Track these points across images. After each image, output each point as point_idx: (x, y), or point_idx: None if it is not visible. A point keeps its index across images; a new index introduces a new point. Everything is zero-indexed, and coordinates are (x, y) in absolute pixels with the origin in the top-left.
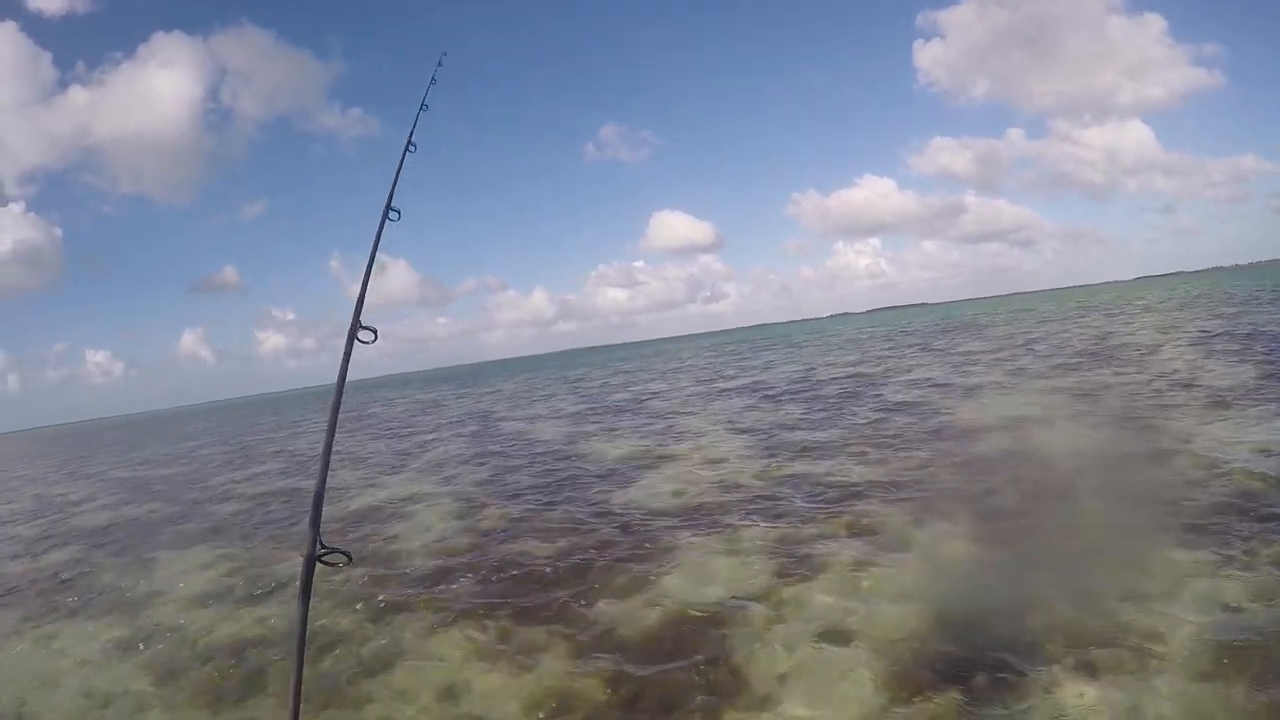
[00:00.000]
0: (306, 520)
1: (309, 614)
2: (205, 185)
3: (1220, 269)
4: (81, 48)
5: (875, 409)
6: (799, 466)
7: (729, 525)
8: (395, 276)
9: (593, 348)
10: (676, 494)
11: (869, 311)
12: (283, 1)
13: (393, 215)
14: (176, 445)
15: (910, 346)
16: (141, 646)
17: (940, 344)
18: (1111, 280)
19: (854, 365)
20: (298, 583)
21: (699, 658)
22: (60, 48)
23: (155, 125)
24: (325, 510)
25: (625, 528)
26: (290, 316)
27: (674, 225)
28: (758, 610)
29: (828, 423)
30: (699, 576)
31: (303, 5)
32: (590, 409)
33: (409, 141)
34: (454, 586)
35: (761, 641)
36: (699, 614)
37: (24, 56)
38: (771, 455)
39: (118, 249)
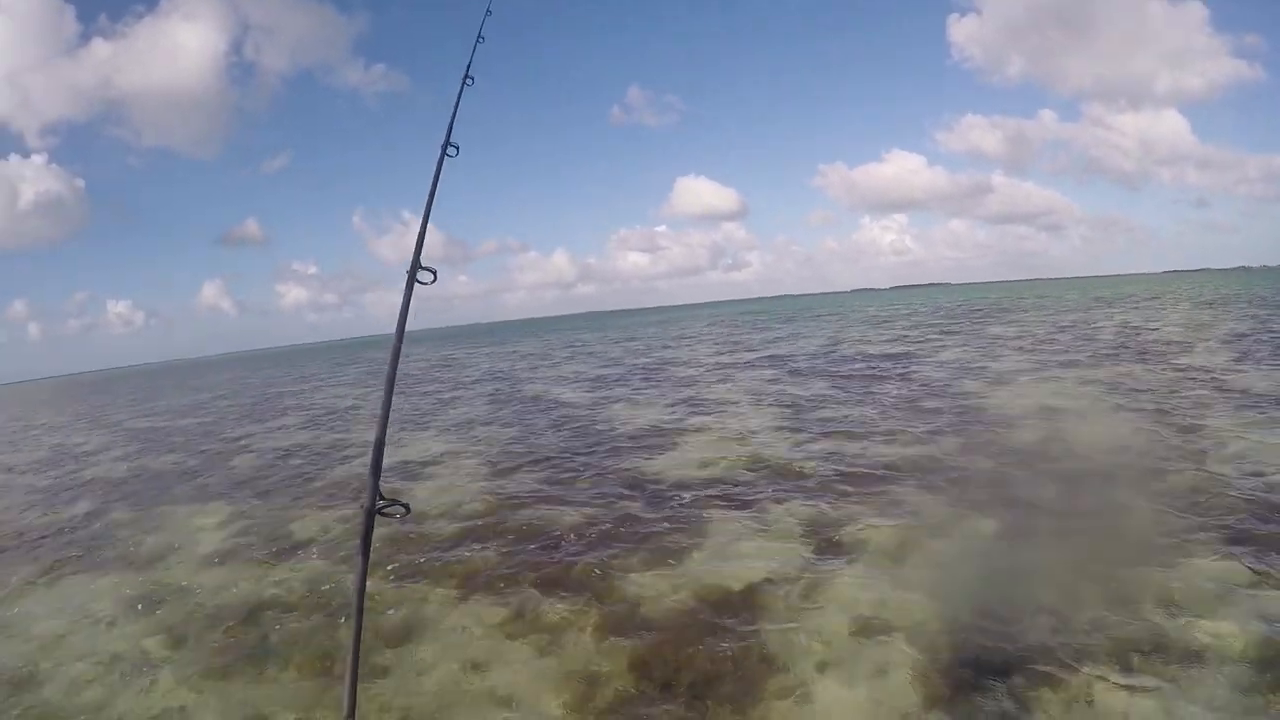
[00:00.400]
0: (365, 471)
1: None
2: (229, 139)
3: (1248, 269)
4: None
5: (905, 389)
6: (829, 444)
7: (759, 502)
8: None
9: (613, 311)
10: (704, 466)
11: (892, 288)
12: None
13: (451, 151)
14: (195, 396)
15: (936, 328)
16: (154, 606)
17: (966, 326)
18: (1138, 272)
19: (882, 343)
20: (357, 539)
21: (731, 642)
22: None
23: (179, 78)
24: (347, 467)
25: (654, 500)
26: (312, 270)
27: (698, 191)
28: (791, 593)
29: (857, 401)
30: (730, 555)
31: None
32: (614, 374)
33: (466, 74)
34: (477, 553)
35: (796, 628)
36: (730, 595)
37: (46, 9)
38: (801, 431)
39: (141, 201)
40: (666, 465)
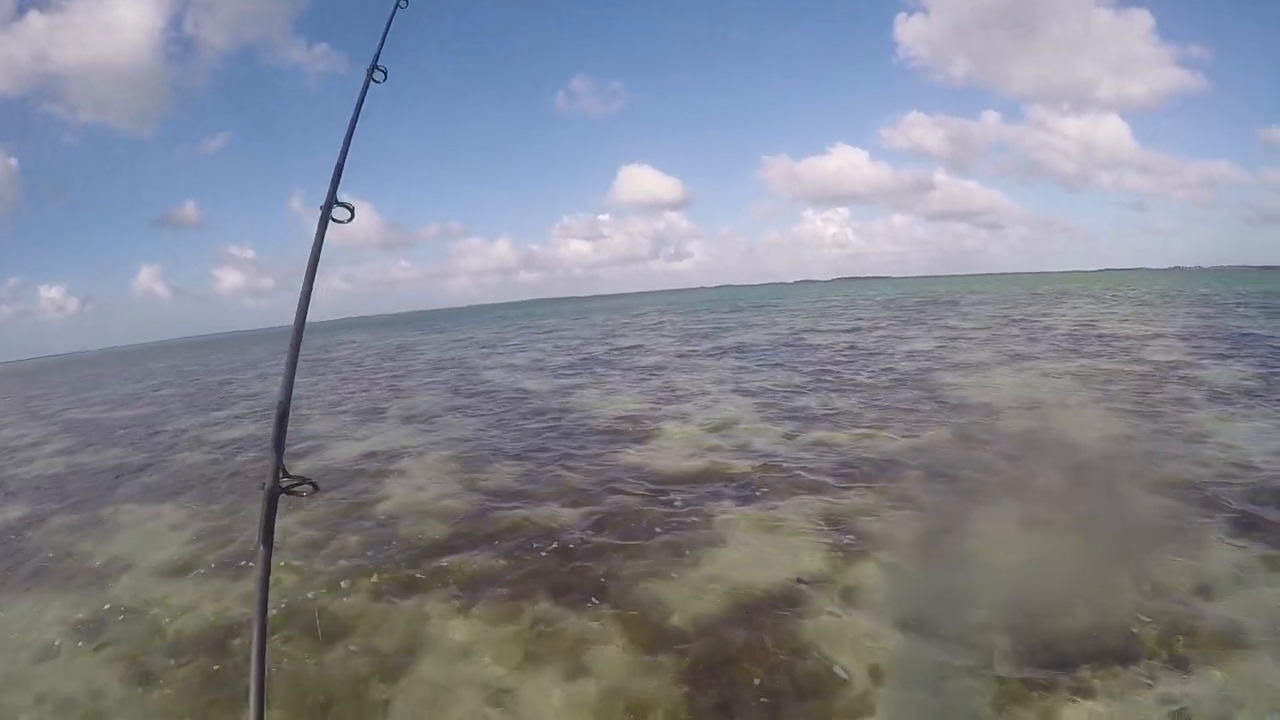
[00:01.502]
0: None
1: (272, 558)
2: (167, 117)
3: (1182, 269)
4: None
5: (879, 380)
6: (818, 434)
7: (763, 497)
8: (359, 218)
9: (556, 299)
10: (692, 457)
11: (833, 280)
12: None
13: (378, 76)
14: (135, 385)
15: (891, 319)
16: (107, 634)
17: (921, 317)
18: (1075, 270)
19: (841, 334)
20: (258, 523)
21: (782, 653)
22: None
23: (116, 53)
24: (305, 462)
25: (650, 495)
26: (249, 255)
27: (642, 180)
28: (827, 595)
29: (834, 391)
30: (746, 554)
31: None
32: (572, 361)
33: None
34: (470, 559)
35: (842, 632)
36: (762, 598)
37: None
38: (784, 421)
39: (76, 180)
40: (652, 457)
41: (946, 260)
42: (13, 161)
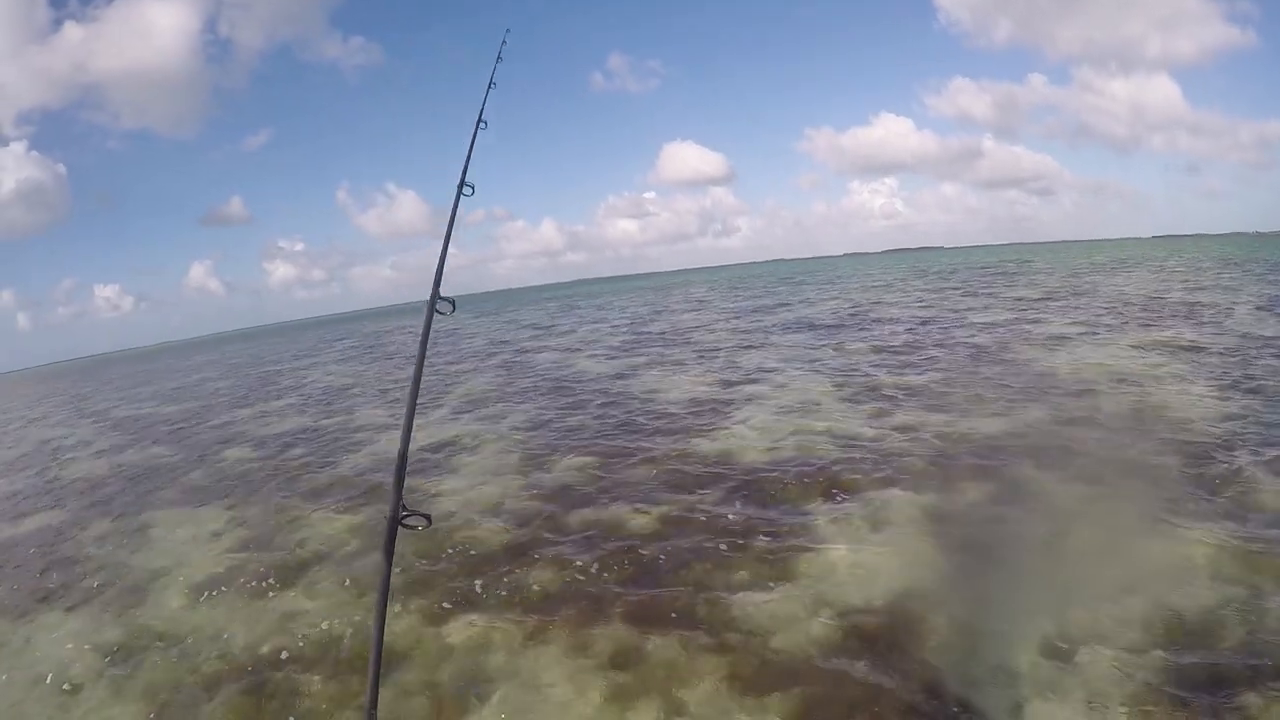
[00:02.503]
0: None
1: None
2: (209, 117)
3: (1242, 234)
4: None
5: (957, 355)
6: (907, 417)
7: (860, 491)
8: (405, 206)
9: (603, 279)
10: (774, 446)
11: (884, 252)
12: None
13: (467, 191)
14: (185, 379)
15: (954, 290)
16: (135, 664)
17: (984, 288)
18: (1130, 236)
19: (904, 307)
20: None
21: (916, 692)
22: None
23: (154, 59)
24: (356, 456)
25: (733, 492)
26: (299, 247)
27: (685, 157)
28: (957, 612)
29: (912, 366)
30: (853, 563)
31: None
32: (630, 340)
33: (480, 118)
34: (537, 573)
35: (986, 661)
36: (884, 619)
37: None
38: (865, 402)
39: (124, 184)
40: (730, 446)
41: (999, 229)
42: (61, 169)
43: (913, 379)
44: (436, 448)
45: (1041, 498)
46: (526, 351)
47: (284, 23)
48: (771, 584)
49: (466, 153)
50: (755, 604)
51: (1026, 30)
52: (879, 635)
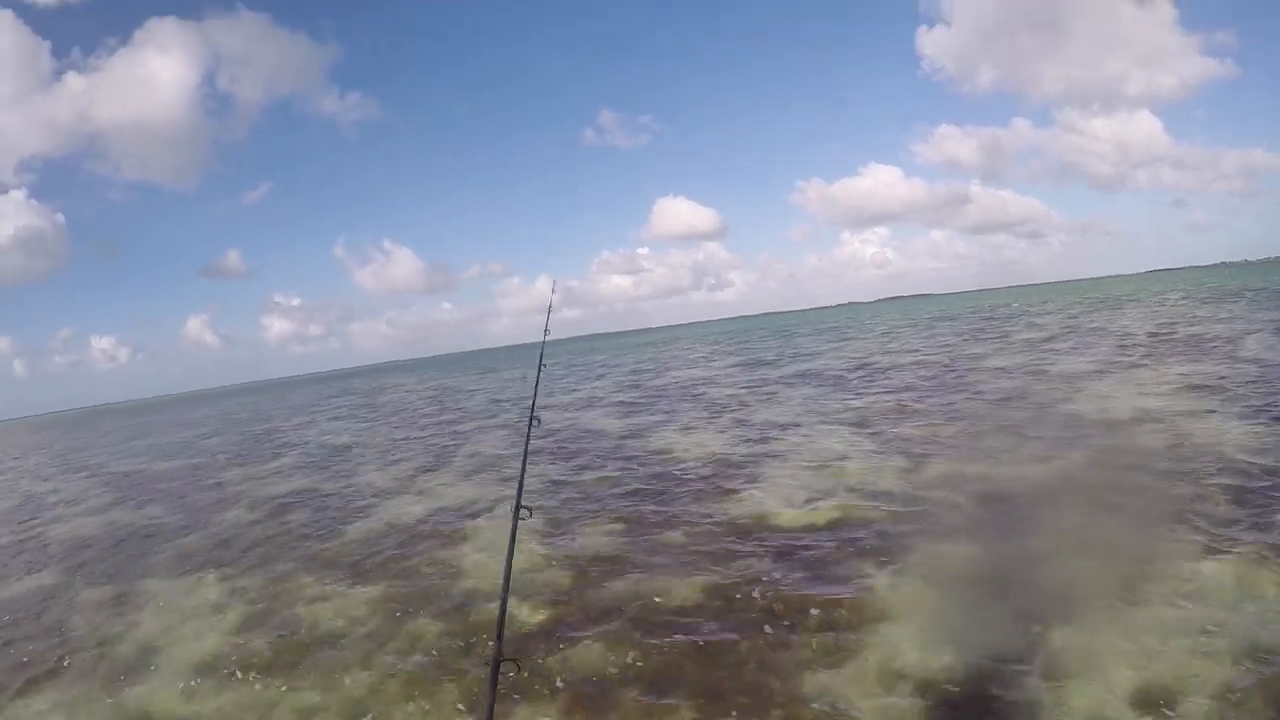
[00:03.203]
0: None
1: None
2: (208, 170)
3: (1229, 264)
4: (76, 34)
5: (978, 402)
6: (941, 466)
7: (911, 550)
8: (400, 263)
9: (599, 335)
10: (810, 504)
11: (876, 301)
12: None
13: (524, 514)
14: (181, 433)
15: (958, 336)
16: None
17: (988, 332)
18: (1120, 273)
19: (909, 354)
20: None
21: None
22: (56, 35)
23: (155, 111)
24: (361, 523)
25: (778, 559)
26: (295, 302)
27: (677, 212)
28: (1035, 673)
29: (935, 415)
30: (924, 630)
31: None
32: (636, 397)
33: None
34: (574, 656)
35: None
36: (962, 692)
37: (21, 43)
38: (897, 453)
39: (123, 234)
40: (763, 506)
41: (989, 273)
42: (60, 218)
43: (939, 428)
44: (446, 513)
45: (1104, 543)
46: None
47: (283, 78)
48: (837, 658)
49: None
50: (826, 683)
51: (1009, 74)
52: (962, 703)
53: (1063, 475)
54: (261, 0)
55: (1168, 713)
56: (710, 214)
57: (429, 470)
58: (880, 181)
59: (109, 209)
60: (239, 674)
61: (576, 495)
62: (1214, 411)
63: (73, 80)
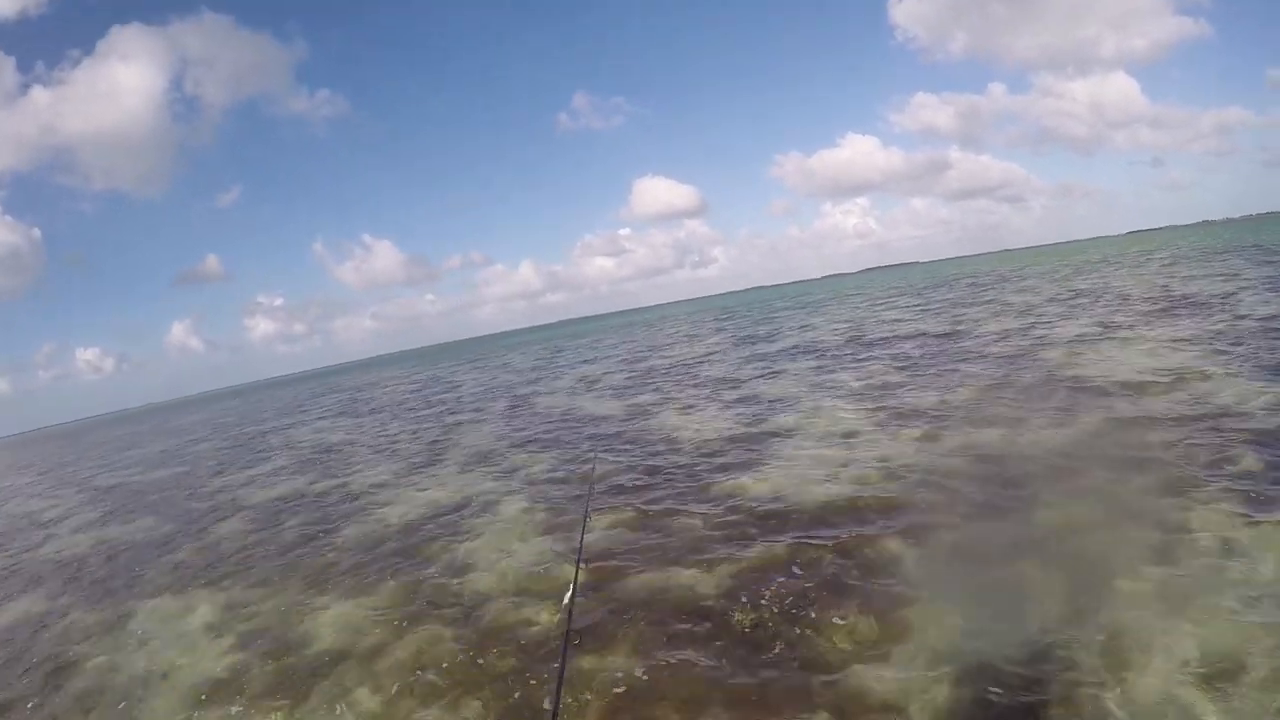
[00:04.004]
0: None
1: None
2: (178, 176)
3: (1211, 222)
4: (40, 48)
5: (983, 367)
6: (961, 435)
7: (941, 526)
8: (381, 256)
9: (585, 318)
10: (828, 481)
11: (861, 271)
12: None
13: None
14: (170, 441)
15: (950, 302)
16: None
17: (979, 297)
18: (1103, 235)
19: (905, 322)
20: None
21: None
22: (20, 49)
23: (121, 119)
24: (358, 525)
25: (803, 538)
26: (278, 302)
27: (656, 191)
28: (1092, 650)
29: (941, 382)
30: (968, 611)
31: None
32: (631, 378)
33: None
34: (610, 664)
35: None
36: (1019, 675)
37: None
38: (910, 424)
39: (99, 245)
40: (781, 485)
41: (972, 239)
42: (36, 232)
43: (948, 396)
44: (451, 509)
45: (1136, 509)
46: (525, 397)
47: (249, 79)
48: (882, 648)
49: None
50: (874, 677)
51: (982, 41)
52: (1018, 686)
53: (1084, 440)
54: (225, 2)
55: (1231, 684)
56: (689, 191)
57: (424, 466)
58: (858, 152)
59: (82, 221)
60: (241, 702)
61: (579, 484)
62: (1223, 368)
63: (38, 94)
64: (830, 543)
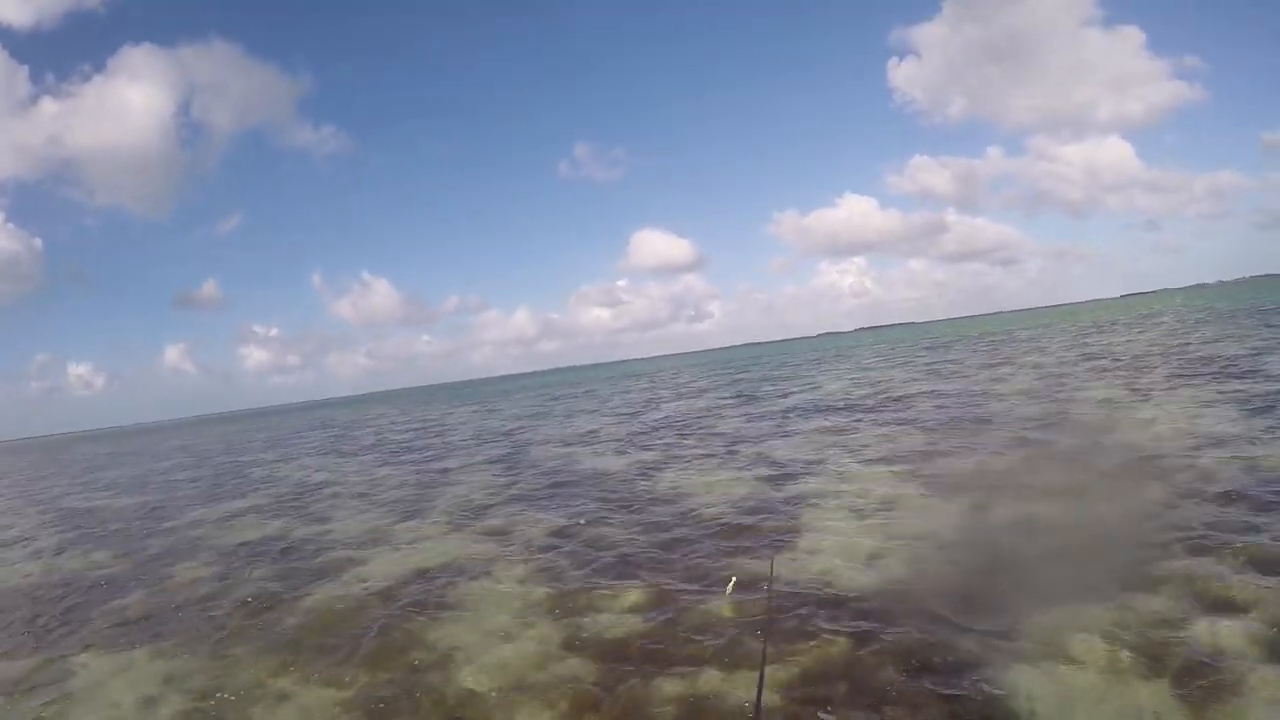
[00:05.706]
0: None
1: None
2: (182, 199)
3: (1206, 285)
4: (51, 60)
5: (1016, 426)
6: (1014, 507)
7: (1032, 611)
8: (378, 294)
9: (579, 366)
10: (874, 561)
11: (856, 330)
12: (249, 15)
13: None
14: (149, 465)
15: (962, 362)
16: None
17: (992, 358)
18: (1097, 298)
19: (917, 382)
20: None
21: None
22: (33, 59)
23: (129, 137)
24: (332, 586)
25: (863, 642)
26: (274, 333)
27: (654, 244)
28: None
29: (977, 446)
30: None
31: (268, 19)
32: (635, 432)
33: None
34: None
35: None
36: None
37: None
38: (955, 493)
39: (98, 261)
40: (825, 569)
41: (967, 301)
42: (37, 242)
43: (989, 462)
44: (438, 573)
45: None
46: (522, 445)
47: (255, 108)
48: None
49: None
50: None
51: (980, 104)
52: None
53: (1150, 512)
54: (235, 31)
55: None
56: (687, 245)
57: (410, 518)
58: (856, 212)
59: (84, 234)
60: None
61: (586, 550)
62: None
63: (47, 105)
64: (882, 638)
